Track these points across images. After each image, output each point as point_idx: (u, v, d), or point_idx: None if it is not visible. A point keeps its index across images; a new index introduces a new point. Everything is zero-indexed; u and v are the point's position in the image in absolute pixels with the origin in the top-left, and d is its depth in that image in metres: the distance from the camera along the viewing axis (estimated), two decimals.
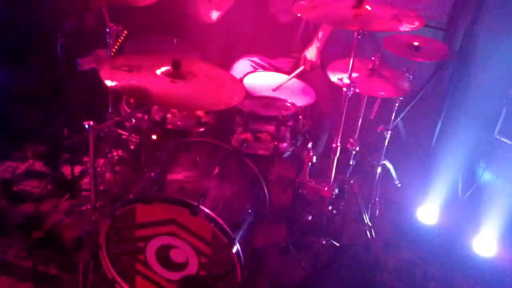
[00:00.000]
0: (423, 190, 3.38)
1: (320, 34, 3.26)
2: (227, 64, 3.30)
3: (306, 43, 3.27)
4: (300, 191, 2.79)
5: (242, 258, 2.29)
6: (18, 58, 3.94)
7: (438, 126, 3.67)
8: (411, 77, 2.90)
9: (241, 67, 3.23)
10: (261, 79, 3.02)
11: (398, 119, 3.10)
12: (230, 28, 3.52)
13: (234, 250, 2.25)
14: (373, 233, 2.99)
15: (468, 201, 3.36)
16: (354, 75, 2.54)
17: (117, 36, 2.80)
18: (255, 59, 3.31)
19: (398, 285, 2.88)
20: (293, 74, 2.99)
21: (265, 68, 3.27)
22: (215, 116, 2.83)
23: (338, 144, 2.60)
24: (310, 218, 2.87)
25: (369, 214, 3.05)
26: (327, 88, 3.15)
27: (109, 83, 2.17)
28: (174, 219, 2.28)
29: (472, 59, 3.46)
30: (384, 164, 3.13)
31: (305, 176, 2.69)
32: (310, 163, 2.63)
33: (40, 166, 3.45)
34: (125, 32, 2.92)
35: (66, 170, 3.33)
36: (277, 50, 3.32)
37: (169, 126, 2.81)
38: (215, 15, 3.20)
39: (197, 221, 2.23)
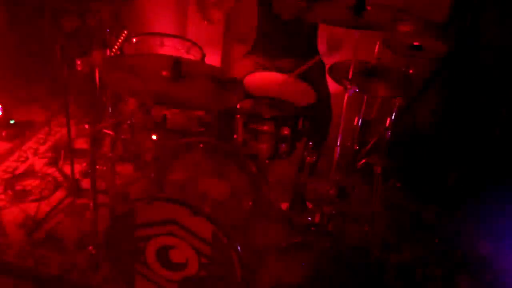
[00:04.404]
0: (423, 190, 3.38)
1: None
2: (228, 64, 3.31)
3: (310, 42, 3.27)
4: (300, 191, 2.79)
5: (242, 258, 2.29)
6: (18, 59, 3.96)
7: (438, 126, 3.66)
8: (411, 77, 2.90)
9: (242, 67, 3.23)
10: (261, 79, 3.02)
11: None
12: (231, 28, 3.53)
13: (234, 250, 2.25)
14: (373, 233, 2.99)
15: (468, 201, 3.36)
16: (354, 75, 2.54)
17: (117, 36, 2.80)
18: (259, 58, 3.30)
19: (398, 285, 2.88)
20: (308, 64, 2.98)
21: (266, 68, 3.27)
22: (215, 116, 2.83)
23: (338, 144, 2.61)
24: (310, 218, 2.87)
25: (369, 214, 3.05)
26: (327, 88, 3.15)
27: (109, 83, 2.17)
28: (174, 219, 2.28)
29: (472, 59, 3.46)
30: (384, 164, 3.13)
31: (305, 176, 2.69)
32: (310, 163, 2.64)
33: (40, 166, 3.45)
34: (125, 32, 2.92)
35: (66, 170, 3.33)
36: (280, 49, 3.32)
37: (169, 126, 2.81)
38: (215, 16, 3.20)
39: (197, 221, 2.23)
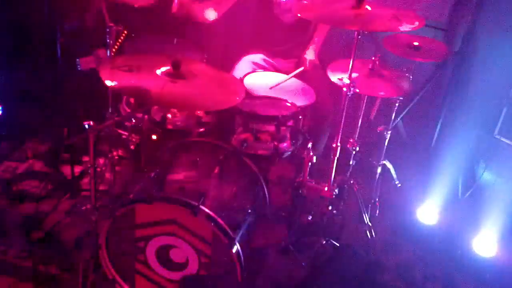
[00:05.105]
0: (423, 190, 3.38)
1: (316, 36, 3.27)
2: (228, 64, 3.30)
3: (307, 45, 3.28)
4: (300, 191, 2.79)
5: (242, 258, 2.29)
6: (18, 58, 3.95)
7: (438, 126, 3.67)
8: (411, 77, 2.90)
9: (242, 67, 3.23)
10: (261, 79, 3.02)
11: (398, 119, 3.10)
12: (231, 28, 3.53)
13: (234, 250, 2.25)
14: (373, 233, 2.99)
15: (468, 201, 3.36)
16: (354, 75, 2.54)
17: (117, 36, 2.80)
18: (258, 57, 3.30)
19: (398, 285, 2.87)
20: (293, 74, 2.99)
21: (265, 69, 3.27)
22: (215, 116, 2.83)
23: (338, 144, 2.60)
24: (310, 218, 2.87)
25: (369, 214, 3.05)
26: (327, 88, 3.15)
27: (109, 83, 2.17)
28: (174, 219, 2.28)
29: (472, 59, 3.46)
30: (384, 164, 3.13)
31: (305, 176, 2.69)
32: (310, 163, 2.63)
33: (40, 166, 3.45)
34: (125, 32, 2.92)
35: (66, 170, 3.33)
36: (278, 51, 3.32)
37: (169, 126, 2.81)
38: (212, 15, 3.20)
39: (197, 221, 2.23)
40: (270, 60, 3.34)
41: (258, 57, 3.32)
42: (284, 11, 3.18)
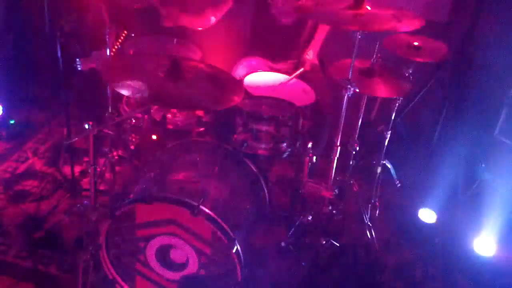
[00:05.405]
0: (423, 190, 3.38)
1: (316, 36, 3.27)
2: (227, 64, 3.30)
3: (307, 45, 3.28)
4: (300, 191, 2.79)
5: (242, 258, 2.29)
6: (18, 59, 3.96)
7: (438, 126, 3.67)
8: (411, 77, 2.90)
9: (240, 71, 3.23)
10: (261, 79, 3.02)
11: (398, 119, 3.10)
12: (230, 28, 3.53)
13: (234, 250, 2.25)
14: (373, 233, 2.99)
15: (468, 201, 3.36)
16: (354, 75, 2.54)
17: (117, 36, 2.80)
18: (256, 61, 3.30)
19: (398, 285, 2.88)
20: (293, 75, 2.99)
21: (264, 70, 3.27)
22: (215, 116, 2.83)
23: (338, 144, 2.60)
24: (310, 218, 2.87)
25: (369, 214, 3.05)
26: (327, 88, 3.15)
27: (109, 83, 2.17)
28: (174, 219, 2.28)
29: (472, 59, 3.45)
30: (384, 164, 3.13)
31: (305, 176, 2.69)
32: (310, 163, 2.63)
33: (40, 166, 3.45)
34: (125, 32, 2.92)
35: (66, 170, 3.33)
36: (277, 52, 3.32)
37: (169, 126, 2.81)
38: (212, 20, 3.21)
39: (197, 221, 2.23)
40: (269, 63, 3.33)
41: (255, 61, 3.31)
42: (281, 12, 3.18)
